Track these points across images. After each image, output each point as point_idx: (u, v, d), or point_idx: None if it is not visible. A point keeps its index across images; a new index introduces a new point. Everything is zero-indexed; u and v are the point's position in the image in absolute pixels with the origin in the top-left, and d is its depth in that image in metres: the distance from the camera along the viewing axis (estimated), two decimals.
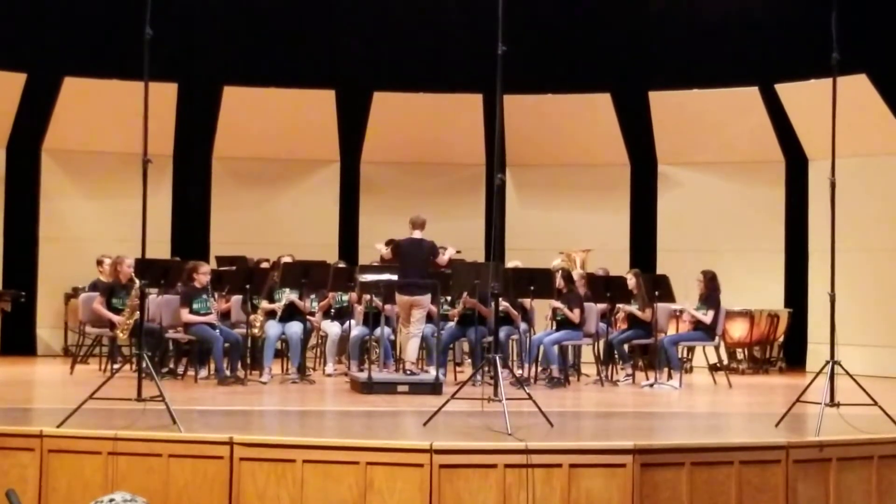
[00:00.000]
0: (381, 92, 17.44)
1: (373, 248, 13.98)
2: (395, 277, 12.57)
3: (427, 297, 12.60)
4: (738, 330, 15.76)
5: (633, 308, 13.67)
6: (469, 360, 14.44)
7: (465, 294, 13.02)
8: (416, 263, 12.58)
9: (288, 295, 13.06)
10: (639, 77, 17.09)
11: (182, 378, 13.03)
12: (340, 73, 17.33)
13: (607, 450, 7.46)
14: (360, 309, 13.96)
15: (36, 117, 16.71)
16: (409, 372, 12.41)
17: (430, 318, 13.22)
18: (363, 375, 11.81)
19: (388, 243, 14.99)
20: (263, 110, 17.26)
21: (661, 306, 13.46)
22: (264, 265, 14.32)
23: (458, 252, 13.60)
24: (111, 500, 4.15)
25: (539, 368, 13.44)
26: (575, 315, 13.17)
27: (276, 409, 10.77)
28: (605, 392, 12.79)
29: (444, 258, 12.91)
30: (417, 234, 12.70)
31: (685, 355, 14.83)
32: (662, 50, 16.80)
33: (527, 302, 13.37)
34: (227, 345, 12.60)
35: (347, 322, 13.91)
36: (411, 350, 12.70)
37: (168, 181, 17.11)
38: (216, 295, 13.11)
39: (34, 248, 16.91)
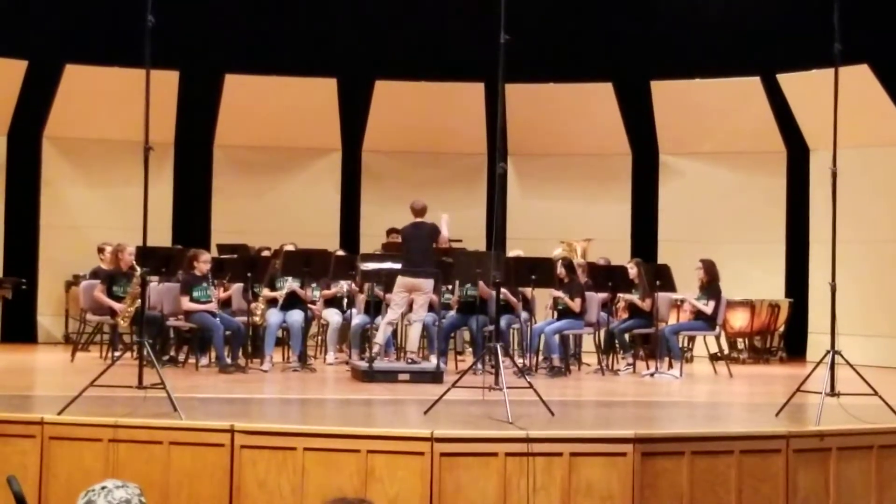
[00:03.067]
0: (383, 80, 17.43)
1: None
2: (396, 266, 12.56)
3: (430, 283, 12.56)
4: (738, 320, 15.76)
5: (634, 297, 13.69)
6: (470, 349, 14.45)
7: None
8: (419, 248, 12.56)
9: (290, 283, 13.07)
10: (641, 66, 17.07)
11: (183, 366, 13.05)
12: (342, 61, 17.30)
13: (608, 439, 7.47)
14: (361, 297, 13.96)
15: (37, 105, 16.70)
16: (410, 360, 12.41)
17: (431, 306, 13.23)
18: (364, 364, 11.82)
19: (389, 232, 15.03)
20: (265, 98, 17.25)
21: (662, 296, 13.47)
22: (265, 253, 14.32)
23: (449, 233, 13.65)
24: (103, 488, 4.15)
25: (540, 357, 13.43)
26: (576, 304, 13.17)
27: (276, 398, 10.79)
28: (606, 381, 12.80)
29: (444, 235, 12.88)
30: (418, 220, 12.68)
31: (686, 345, 14.83)
32: (664, 39, 16.76)
33: (528, 291, 13.38)
34: (227, 333, 12.62)
35: (348, 310, 13.91)
36: (413, 338, 12.69)
37: (169, 169, 17.11)
38: (215, 283, 13.12)
39: (35, 236, 16.91)
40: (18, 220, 16.86)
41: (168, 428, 7.59)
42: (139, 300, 11.50)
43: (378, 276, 12.88)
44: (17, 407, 8.70)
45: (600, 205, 17.58)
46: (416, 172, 17.61)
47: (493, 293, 10.62)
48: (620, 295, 14.02)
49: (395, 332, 13.74)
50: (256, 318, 13.09)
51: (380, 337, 12.65)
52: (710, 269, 13.58)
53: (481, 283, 12.76)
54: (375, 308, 13.11)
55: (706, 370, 14.12)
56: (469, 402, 9.11)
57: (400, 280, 12.50)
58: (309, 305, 13.34)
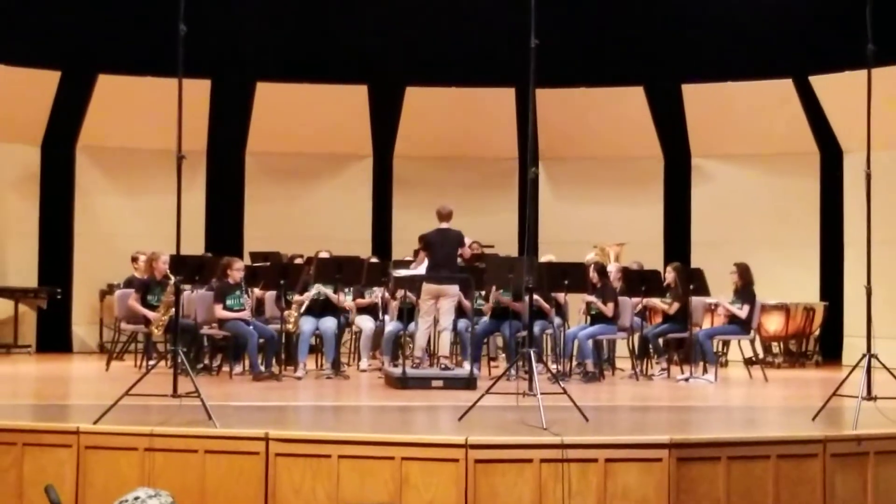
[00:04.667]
0: (414, 86, 17.46)
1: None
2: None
3: (456, 288, 12.57)
4: (773, 323, 15.68)
5: (658, 302, 13.68)
6: (503, 355, 14.42)
7: (495, 291, 13.08)
8: (445, 254, 12.55)
9: (317, 287, 13.06)
10: (672, 70, 17.03)
11: (217, 374, 13.08)
12: (373, 67, 17.34)
13: (643, 444, 7.44)
14: (394, 304, 13.96)
15: (70, 115, 16.80)
16: (443, 367, 12.39)
17: (464, 312, 13.21)
18: (397, 370, 11.81)
19: (421, 239, 15.02)
20: (296, 106, 17.28)
21: (696, 300, 13.42)
22: (298, 261, 14.33)
23: (473, 242, 13.67)
24: (136, 499, 4.16)
25: (574, 363, 13.39)
26: (609, 309, 13.13)
27: (310, 405, 10.79)
28: (641, 386, 12.76)
29: (466, 249, 12.89)
30: (444, 225, 12.68)
31: (720, 349, 14.77)
32: (695, 42, 16.71)
33: (560, 296, 13.35)
34: (261, 340, 12.63)
35: (382, 317, 13.92)
36: (443, 343, 12.68)
37: (202, 177, 17.17)
38: (249, 291, 13.13)
39: (69, 245, 17.00)
40: (53, 230, 16.96)
41: (203, 436, 7.60)
42: (173, 309, 11.52)
43: (411, 282, 12.88)
44: (53, 416, 8.76)
45: (633, 208, 17.55)
46: (447, 178, 17.60)
47: (525, 299, 10.58)
48: (646, 300, 13.94)
49: (427, 340, 13.71)
50: (289, 326, 13.10)
51: (418, 350, 12.69)
52: (744, 273, 13.52)
53: (505, 298, 12.87)
54: (408, 315, 13.11)
55: (741, 374, 14.05)
56: (503, 409, 9.10)
57: (426, 287, 12.51)
58: (346, 306, 13.36)
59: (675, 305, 13.52)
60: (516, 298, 12.79)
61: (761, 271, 14.19)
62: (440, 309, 12.48)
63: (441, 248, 12.56)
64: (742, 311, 13.41)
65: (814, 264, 16.86)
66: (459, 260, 12.92)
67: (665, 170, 17.75)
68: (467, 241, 12.99)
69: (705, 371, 13.18)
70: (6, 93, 16.08)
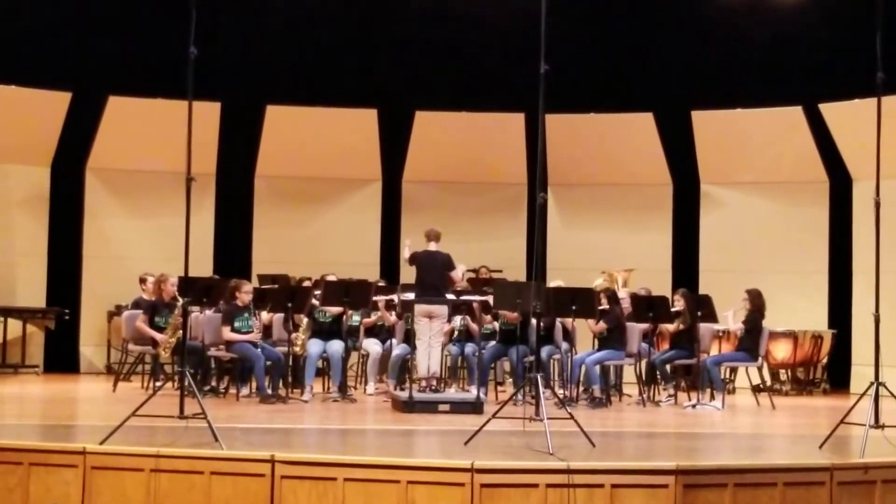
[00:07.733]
0: (423, 111, 17.49)
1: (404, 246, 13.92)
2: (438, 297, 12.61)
3: (444, 309, 12.63)
4: (781, 351, 15.65)
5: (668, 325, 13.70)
6: (510, 380, 14.41)
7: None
8: (431, 275, 12.65)
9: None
10: (681, 96, 17.05)
11: (224, 396, 13.08)
12: (382, 92, 17.39)
13: (649, 470, 7.42)
14: (400, 326, 13.94)
15: (80, 136, 16.85)
16: (431, 387, 12.43)
17: (471, 336, 13.20)
18: (404, 394, 11.80)
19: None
20: (306, 129, 17.33)
21: (704, 326, 13.40)
22: (306, 284, 14.32)
23: (469, 270, 13.65)
24: None
25: (581, 388, 13.37)
26: (598, 326, 13.11)
27: (317, 428, 10.77)
28: (647, 412, 12.72)
29: (458, 273, 12.91)
30: (433, 247, 12.75)
31: (728, 376, 14.74)
32: (706, 69, 16.75)
33: (568, 321, 13.34)
34: (268, 363, 12.63)
35: (389, 341, 13.91)
36: (433, 363, 12.69)
37: (211, 200, 17.19)
38: (257, 313, 13.14)
39: (78, 266, 17.03)
40: (61, 251, 17.00)
41: (209, 458, 7.59)
42: (181, 330, 11.53)
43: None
44: (60, 437, 8.76)
45: (641, 235, 17.53)
46: (456, 202, 17.62)
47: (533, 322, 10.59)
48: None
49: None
50: (297, 349, 13.10)
51: (422, 371, 12.69)
52: (755, 299, 13.47)
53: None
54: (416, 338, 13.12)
55: (748, 402, 14.01)
56: (509, 433, 9.09)
57: (417, 308, 12.58)
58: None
59: (681, 327, 13.50)
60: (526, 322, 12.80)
61: (770, 299, 14.13)
62: (431, 329, 12.56)
63: (427, 269, 12.66)
64: (734, 326, 13.48)
65: (822, 292, 16.84)
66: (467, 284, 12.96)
67: (674, 196, 17.75)
68: (462, 268, 12.99)
69: (712, 398, 13.15)
70: (17, 114, 16.15)
